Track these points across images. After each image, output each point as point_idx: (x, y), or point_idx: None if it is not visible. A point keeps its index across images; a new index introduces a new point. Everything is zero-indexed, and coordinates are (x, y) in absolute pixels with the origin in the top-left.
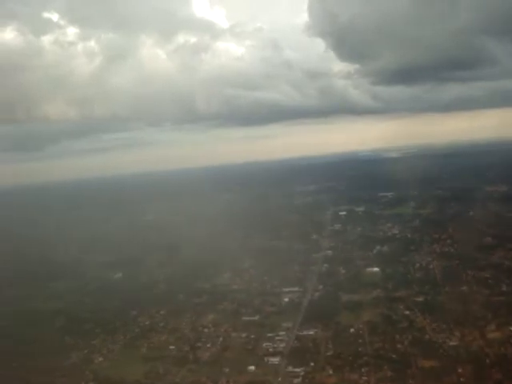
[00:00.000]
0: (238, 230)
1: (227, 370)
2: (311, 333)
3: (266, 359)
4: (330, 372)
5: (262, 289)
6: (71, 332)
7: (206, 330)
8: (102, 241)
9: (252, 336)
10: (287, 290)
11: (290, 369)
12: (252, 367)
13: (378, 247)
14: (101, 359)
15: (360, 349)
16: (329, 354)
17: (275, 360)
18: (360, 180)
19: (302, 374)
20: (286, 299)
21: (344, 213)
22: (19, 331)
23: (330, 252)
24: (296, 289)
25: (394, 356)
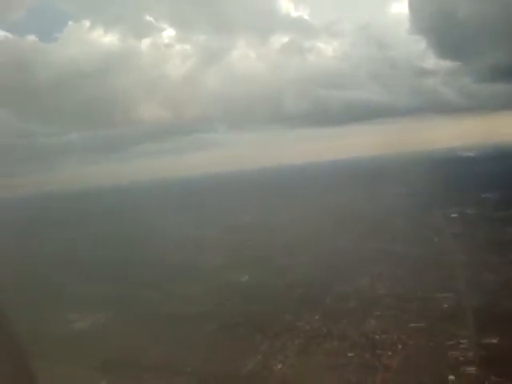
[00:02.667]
0: (347, 231)
1: (425, 379)
2: (494, 341)
3: (461, 369)
4: None
5: (412, 294)
6: (229, 337)
7: (377, 337)
8: (210, 242)
9: (431, 344)
10: (440, 295)
11: (494, 378)
12: (452, 377)
13: None
14: (280, 366)
15: None
16: None
17: (471, 369)
18: (452, 180)
19: None
20: (446, 305)
21: (455, 215)
22: (175, 336)
23: (463, 256)
24: (450, 294)
25: None
